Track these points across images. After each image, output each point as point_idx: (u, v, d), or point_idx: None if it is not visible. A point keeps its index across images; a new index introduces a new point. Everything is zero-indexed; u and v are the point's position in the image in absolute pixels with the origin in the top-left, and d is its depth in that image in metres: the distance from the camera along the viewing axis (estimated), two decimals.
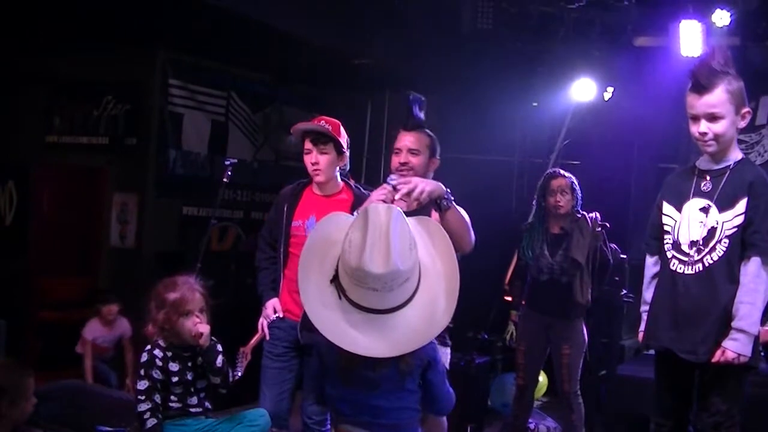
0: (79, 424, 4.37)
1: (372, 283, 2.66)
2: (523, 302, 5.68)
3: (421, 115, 4.09)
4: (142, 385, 3.59)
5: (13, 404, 3.35)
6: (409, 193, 3.56)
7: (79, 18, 6.20)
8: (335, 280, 2.78)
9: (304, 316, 4.20)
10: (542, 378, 6.30)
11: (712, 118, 3.45)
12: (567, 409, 5.58)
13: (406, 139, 4.05)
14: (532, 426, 6.25)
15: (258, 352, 4.51)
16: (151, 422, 3.56)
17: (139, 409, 3.55)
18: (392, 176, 3.92)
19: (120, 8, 5.82)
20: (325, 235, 2.90)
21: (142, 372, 3.61)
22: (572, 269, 5.38)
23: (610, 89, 7.64)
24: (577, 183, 5.54)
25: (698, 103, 3.46)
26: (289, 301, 4.34)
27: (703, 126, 3.46)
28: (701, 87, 3.45)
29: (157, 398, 3.58)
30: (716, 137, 3.47)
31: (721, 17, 6.46)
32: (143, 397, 3.56)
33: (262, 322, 4.39)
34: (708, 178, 3.56)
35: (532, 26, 6.94)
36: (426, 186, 3.58)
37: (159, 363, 3.61)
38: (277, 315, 4.35)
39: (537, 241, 5.53)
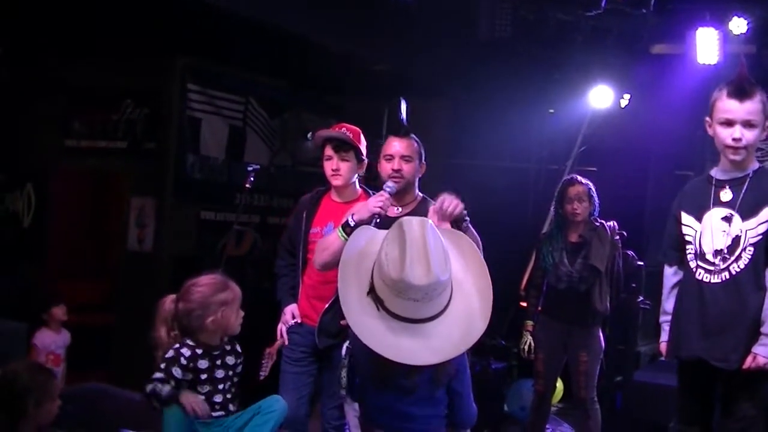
0: (102, 427, 4.38)
1: (413, 294, 2.75)
2: (540, 310, 5.69)
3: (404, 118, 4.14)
4: (157, 375, 3.45)
5: (39, 405, 3.34)
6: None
7: (99, 23, 6.25)
8: (372, 292, 2.86)
9: (321, 321, 4.26)
10: (558, 384, 6.30)
11: (748, 125, 3.50)
12: (583, 415, 5.57)
13: (399, 146, 4.05)
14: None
15: (277, 357, 4.54)
16: (166, 389, 3.42)
17: (147, 390, 3.41)
18: (389, 183, 3.97)
19: (139, 14, 5.87)
20: (359, 249, 2.99)
21: (162, 365, 3.48)
22: (591, 277, 5.38)
23: (627, 96, 7.65)
24: (594, 189, 5.55)
25: (737, 108, 3.50)
26: (307, 307, 4.38)
27: (738, 131, 3.51)
28: (744, 93, 3.50)
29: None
30: (747, 145, 3.52)
31: (738, 25, 6.48)
32: (151, 384, 3.42)
33: (281, 328, 4.43)
34: (727, 187, 3.60)
35: (550, 34, 6.96)
36: (460, 204, 3.70)
37: (184, 362, 3.50)
38: (295, 320, 4.39)
39: (556, 249, 5.54)
